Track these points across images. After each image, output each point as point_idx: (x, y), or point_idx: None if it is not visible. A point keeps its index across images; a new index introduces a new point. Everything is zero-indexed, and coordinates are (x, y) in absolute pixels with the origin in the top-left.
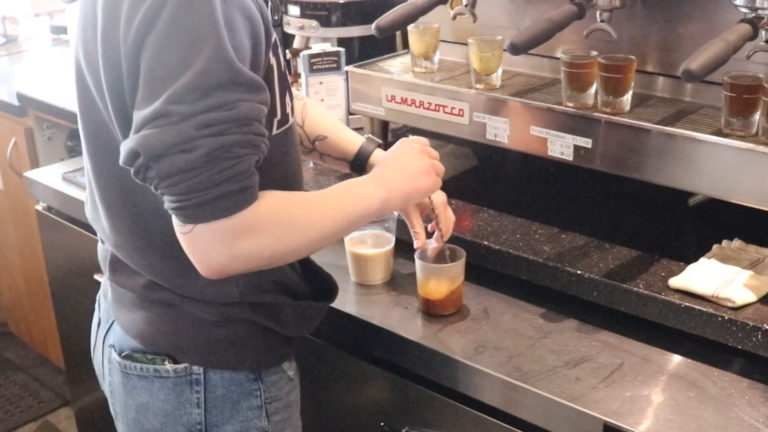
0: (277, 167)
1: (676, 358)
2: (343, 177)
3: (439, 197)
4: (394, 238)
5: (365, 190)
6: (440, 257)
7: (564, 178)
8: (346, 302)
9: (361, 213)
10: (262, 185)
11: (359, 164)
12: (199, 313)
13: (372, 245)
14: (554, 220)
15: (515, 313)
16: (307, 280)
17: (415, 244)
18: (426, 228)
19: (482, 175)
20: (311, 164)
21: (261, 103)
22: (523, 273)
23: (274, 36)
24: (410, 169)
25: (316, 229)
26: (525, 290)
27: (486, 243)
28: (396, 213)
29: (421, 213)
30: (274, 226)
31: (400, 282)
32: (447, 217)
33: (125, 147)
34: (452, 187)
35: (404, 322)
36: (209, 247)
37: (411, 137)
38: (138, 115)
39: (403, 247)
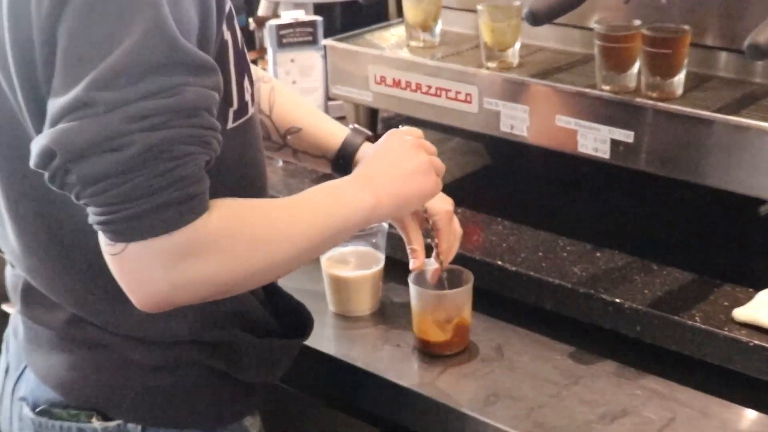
0: (233, 169)
1: (745, 413)
2: (321, 179)
3: (442, 204)
4: (383, 257)
5: (347, 195)
6: (442, 282)
7: (598, 181)
8: (323, 339)
9: (343, 224)
10: (214, 192)
11: (342, 163)
12: (135, 356)
13: (356, 266)
14: (586, 235)
15: (536, 352)
16: (273, 312)
17: (411, 265)
18: (425, 244)
19: (495, 178)
20: (280, 163)
21: (211, 88)
22: (547, 301)
23: (229, 4)
24: (404, 168)
25: (285, 246)
26: (549, 323)
27: (500, 263)
28: (386, 224)
29: (419, 225)
30: (229, 243)
31: (391, 313)
32: (451, 231)
33: (37, 144)
34: (458, 192)
35: (396, 364)
36: (146, 271)
37: (402, 128)
38: (54, 105)
39: (396, 269)
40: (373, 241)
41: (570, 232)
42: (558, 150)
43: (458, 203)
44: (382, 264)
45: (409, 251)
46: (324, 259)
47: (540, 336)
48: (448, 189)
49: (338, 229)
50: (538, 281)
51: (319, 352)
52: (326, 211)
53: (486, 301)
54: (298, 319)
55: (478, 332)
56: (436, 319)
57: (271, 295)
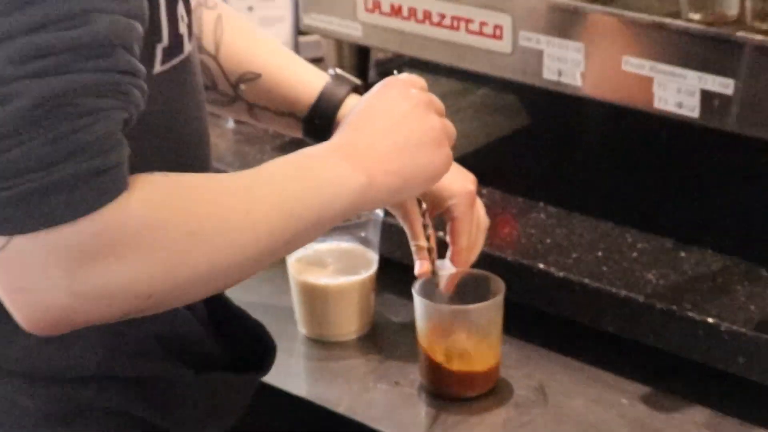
0: (162, 132)
1: None
2: (288, 147)
3: (461, 184)
4: (376, 258)
5: (327, 172)
6: (461, 292)
7: (682, 150)
8: (290, 374)
9: (319, 213)
10: (136, 165)
11: (319, 124)
12: (21, 399)
13: (337, 270)
14: (665, 227)
15: (594, 394)
16: (219, 336)
17: (417, 269)
18: (438, 239)
19: (535, 146)
20: (230, 124)
21: (131, 16)
22: (609, 322)
23: None
24: (407, 133)
25: (236, 242)
26: (611, 353)
27: (542, 267)
28: (381, 212)
29: (430, 212)
30: (156, 237)
31: (387, 337)
32: (473, 221)
33: None
34: (482, 166)
35: (395, 411)
36: (38, 276)
37: (402, 76)
38: None
39: (394, 274)
40: (362, 234)
41: (642, 224)
42: (625, 106)
43: (483, 182)
44: (374, 268)
45: (413, 249)
46: (292, 261)
47: (599, 371)
48: (469, 162)
49: (312, 219)
50: (597, 293)
51: (286, 393)
52: (296, 193)
53: (522, 321)
54: (255, 347)
55: (511, 365)
56: (453, 345)
57: (216, 311)
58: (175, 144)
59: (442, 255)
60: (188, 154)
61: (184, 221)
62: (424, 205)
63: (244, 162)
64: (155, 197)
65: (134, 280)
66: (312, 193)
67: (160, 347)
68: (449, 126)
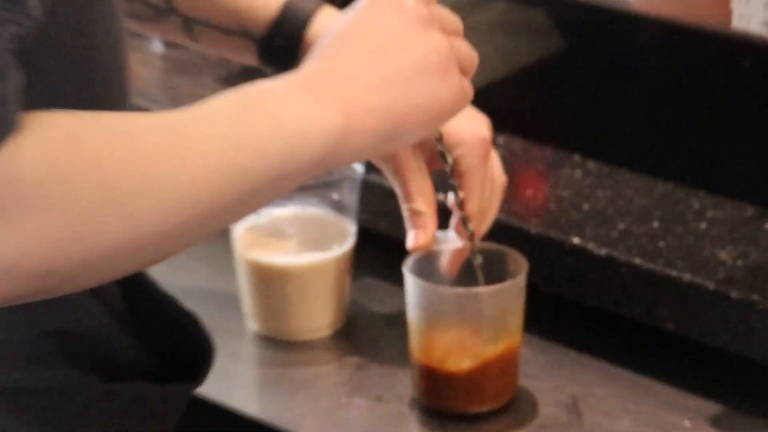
0: (65, 55)
1: None
2: (239, 79)
3: (471, 129)
4: (353, 230)
5: (290, 110)
6: (469, 272)
7: None
8: (237, 385)
9: (278, 165)
10: (31, 99)
11: (281, 46)
12: None
13: (301, 245)
14: (745, 190)
15: (645, 412)
16: (139, 333)
17: (411, 241)
18: (439, 202)
19: (571, 80)
20: (158, 47)
21: None
22: (668, 316)
23: None
24: (398, 60)
25: (165, 202)
26: (669, 358)
27: (578, 242)
28: (360, 167)
29: (428, 166)
30: (55, 196)
31: (366, 334)
32: (487, 178)
33: None
34: (501, 106)
35: None
36: None
37: None
38: None
39: (377, 250)
40: (335, 197)
41: (713, 185)
42: (692, 26)
43: (500, 127)
44: (350, 242)
45: (406, 215)
46: (240, 232)
47: (652, 382)
48: (482, 100)
49: (269, 174)
50: (651, 277)
51: (230, 410)
52: (247, 139)
53: (550, 315)
54: (187, 348)
55: (534, 373)
56: (456, 345)
57: (135, 300)
58: (82, 72)
59: (444, 225)
60: (100, 86)
61: (95, 175)
62: (449, 158)
63: (176, 98)
64: (56, 143)
65: (27, 251)
66: (269, 140)
67: (56, 349)
68: (463, 48)
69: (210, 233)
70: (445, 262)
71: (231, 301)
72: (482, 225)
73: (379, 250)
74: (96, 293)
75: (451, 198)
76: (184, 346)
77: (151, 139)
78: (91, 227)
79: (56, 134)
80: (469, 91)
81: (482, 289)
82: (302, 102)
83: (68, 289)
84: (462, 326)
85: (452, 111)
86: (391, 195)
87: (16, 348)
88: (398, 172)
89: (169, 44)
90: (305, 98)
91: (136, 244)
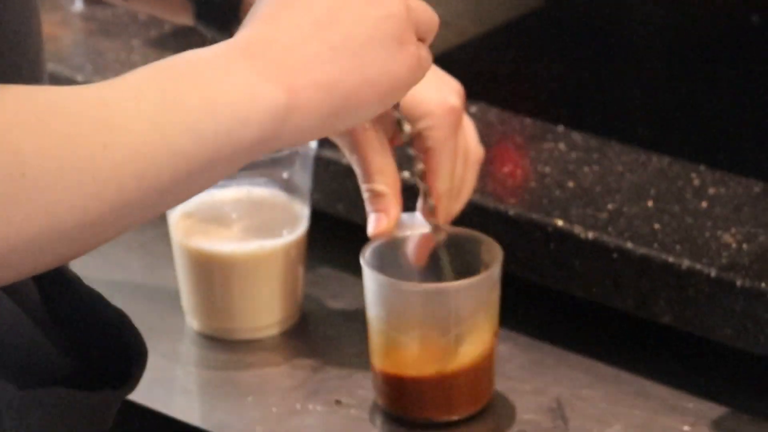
0: None
1: None
2: (170, 43)
3: (440, 98)
4: (306, 213)
5: (227, 83)
6: (436, 262)
7: None
8: (174, 390)
9: (214, 147)
10: None
11: (220, 5)
12: None
13: (246, 230)
14: (752, 163)
15: (639, 416)
16: (60, 334)
17: (371, 227)
18: (403, 181)
19: (554, 39)
20: (78, 6)
21: None
22: (664, 308)
23: None
24: (348, 25)
25: (87, 189)
26: (665, 356)
27: (561, 224)
28: (314, 141)
29: (391, 142)
30: None
31: (321, 332)
32: (456, 153)
33: None
34: (472, 70)
35: None
36: None
37: None
38: None
39: (333, 237)
40: (284, 176)
41: (715, 159)
42: None
43: (473, 94)
44: (303, 227)
45: (366, 197)
46: (177, 217)
47: (647, 382)
48: (453, 63)
49: (203, 156)
50: (645, 264)
51: (167, 418)
52: (179, 116)
53: (531, 308)
54: (115, 350)
55: (513, 374)
56: (423, 344)
57: (56, 296)
58: None
59: (409, 207)
60: (9, 54)
61: (7, 160)
62: (406, 126)
63: (99, 65)
64: None
65: None
66: (201, 119)
67: None
68: (421, 11)
69: (140, 222)
70: (410, 250)
71: (169, 295)
72: (455, 205)
73: (335, 236)
74: (9, 291)
75: (412, 174)
76: (112, 348)
77: (69, 119)
78: (3, 219)
79: None
80: (428, 61)
81: (452, 284)
82: (239, 75)
83: None
84: (428, 325)
85: (408, 85)
86: (348, 173)
87: None
88: (356, 149)
89: (90, 1)
90: (242, 70)
91: (56, 235)
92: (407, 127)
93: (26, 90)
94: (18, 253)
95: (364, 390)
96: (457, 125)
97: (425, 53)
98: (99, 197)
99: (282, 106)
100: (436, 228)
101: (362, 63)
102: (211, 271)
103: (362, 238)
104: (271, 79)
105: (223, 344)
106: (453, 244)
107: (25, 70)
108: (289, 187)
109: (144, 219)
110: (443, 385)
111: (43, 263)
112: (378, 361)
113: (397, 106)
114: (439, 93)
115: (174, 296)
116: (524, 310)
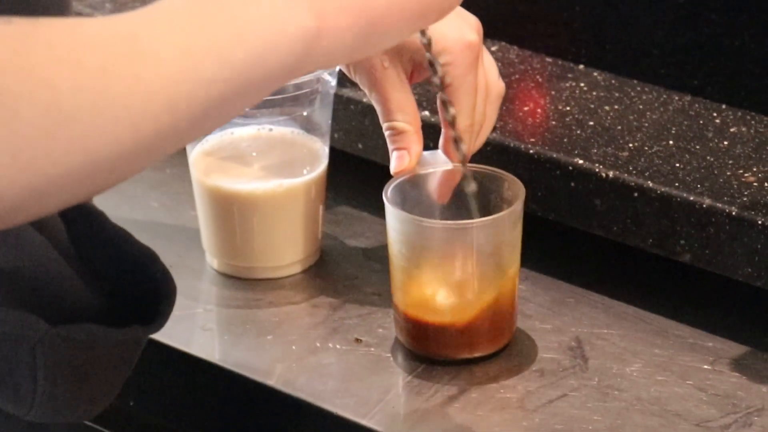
0: None
1: None
2: None
3: (458, 33)
4: (326, 151)
5: (254, 9)
6: (459, 201)
7: None
8: (194, 328)
9: (243, 72)
10: None
11: None
12: None
13: (266, 169)
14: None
15: (659, 355)
16: (88, 269)
17: (394, 165)
18: (423, 118)
19: None
20: None
21: None
22: (685, 247)
23: None
24: None
25: (120, 120)
26: (686, 294)
27: (581, 162)
28: (332, 78)
29: (409, 75)
30: (1, 120)
31: (341, 271)
32: (477, 88)
33: None
34: (493, 10)
35: (357, 383)
36: None
37: None
38: None
39: (353, 176)
40: (304, 113)
41: (737, 96)
42: None
43: (492, 33)
44: (323, 165)
45: (387, 134)
46: (196, 155)
47: (667, 321)
48: (472, 3)
49: (234, 82)
50: (666, 203)
51: (188, 356)
52: (208, 43)
53: (551, 247)
54: (143, 287)
55: (532, 313)
56: (446, 282)
57: (84, 234)
58: None
59: (430, 144)
60: None
61: (43, 94)
62: (439, 69)
63: (118, 3)
64: None
65: None
66: (231, 46)
67: None
68: None
69: (171, 151)
70: (433, 187)
71: (188, 234)
72: (476, 141)
73: (354, 175)
74: (38, 228)
75: (445, 114)
76: (140, 285)
77: (101, 50)
78: (40, 152)
79: None
80: None
81: (475, 221)
82: (267, 0)
83: (15, 220)
84: (452, 263)
85: (437, 10)
86: (367, 112)
87: None
88: (376, 87)
89: None
90: None
91: (91, 167)
92: (440, 69)
93: (58, 23)
94: (55, 186)
95: (383, 329)
96: (475, 61)
97: None
98: (133, 128)
99: (311, 30)
100: (460, 164)
101: None
102: (230, 210)
103: (381, 177)
104: (299, 3)
105: (243, 283)
106: (476, 183)
107: (52, 6)
108: (308, 126)
109: (176, 148)
110: (466, 323)
111: (79, 195)
112: (399, 298)
113: (429, 48)
114: (457, 29)
115: (194, 235)
116: (544, 249)
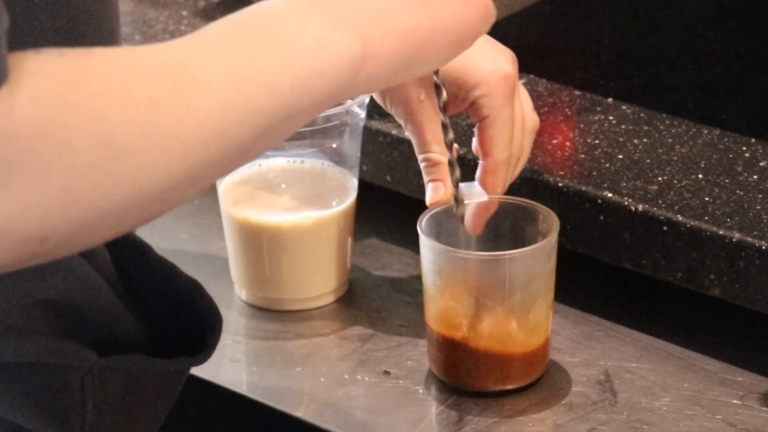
0: None
1: None
2: (220, 13)
3: (494, 65)
4: (355, 183)
5: (301, 35)
6: (494, 233)
7: None
8: (223, 358)
9: (292, 99)
10: (16, 43)
11: None
12: None
13: (295, 200)
14: None
15: (688, 389)
16: (135, 301)
17: (429, 195)
18: (456, 153)
19: (604, 10)
20: None
21: None
22: (714, 281)
23: None
24: None
25: (171, 152)
26: (715, 328)
27: (611, 196)
28: (362, 111)
29: (442, 106)
30: (52, 152)
31: (371, 302)
32: (512, 120)
33: None
34: (524, 43)
35: (386, 415)
36: None
37: None
38: None
39: (383, 207)
40: (333, 146)
41: (765, 128)
42: None
43: (522, 66)
44: (352, 197)
45: (423, 166)
46: (225, 186)
47: (697, 355)
48: (502, 35)
49: (282, 109)
50: (695, 237)
51: (216, 386)
52: (256, 70)
53: (581, 280)
54: (188, 320)
55: (562, 346)
56: (479, 314)
57: (129, 264)
58: (70, 7)
59: (466, 176)
60: (85, 26)
61: (95, 126)
62: (443, 93)
63: (148, 36)
64: (51, 92)
65: (21, 215)
66: (279, 72)
67: (49, 320)
68: None
69: (218, 178)
70: (468, 219)
71: (217, 265)
72: (509, 176)
73: (386, 206)
74: (87, 257)
75: (474, 144)
76: (185, 317)
77: (151, 81)
78: (91, 185)
79: (50, 82)
80: (494, 11)
81: (510, 253)
82: (313, 26)
83: (65, 252)
84: (486, 295)
85: (477, 34)
86: (396, 144)
87: (3, 318)
88: (411, 118)
89: None
90: (316, 21)
91: (140, 199)
92: (444, 93)
93: (110, 54)
94: (105, 218)
95: (412, 361)
96: (512, 92)
97: (491, 4)
98: (182, 159)
99: (357, 55)
100: (493, 196)
101: (434, 11)
102: (259, 241)
103: (410, 210)
104: (345, 29)
105: (271, 314)
106: (511, 215)
107: (100, 34)
108: (337, 158)
109: (222, 176)
110: (500, 354)
111: (127, 225)
112: (433, 329)
113: (436, 72)
114: (493, 61)
115: (223, 266)
116: (573, 282)
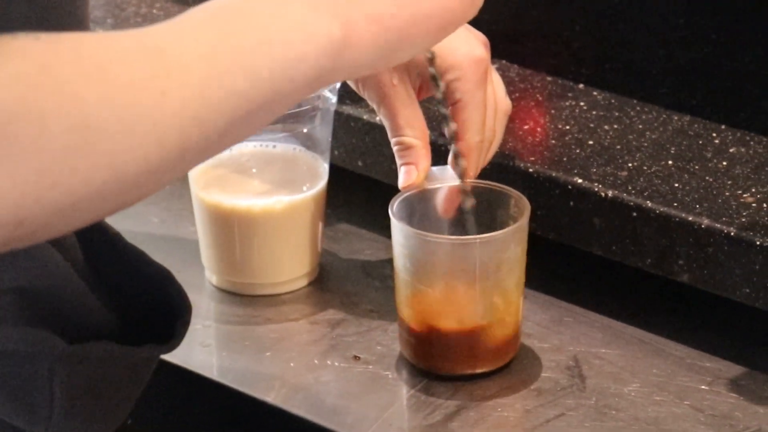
0: None
1: None
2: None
3: (467, 50)
4: (326, 167)
5: (282, 19)
6: (464, 216)
7: None
8: (193, 343)
9: (272, 85)
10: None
11: None
12: None
13: (266, 185)
14: None
15: (656, 375)
16: (103, 288)
17: (402, 180)
18: (431, 137)
19: None
20: None
21: None
22: (683, 267)
23: None
24: None
25: (148, 136)
26: (684, 314)
27: (581, 182)
28: (333, 95)
29: (418, 94)
30: (27, 136)
31: (341, 287)
32: (484, 105)
33: None
34: (496, 29)
35: (356, 400)
36: None
37: None
38: None
39: (353, 192)
40: (304, 130)
41: (736, 116)
42: None
43: (494, 51)
44: (323, 182)
45: (396, 149)
46: (197, 172)
47: (665, 341)
48: (474, 22)
49: (261, 96)
50: (664, 222)
51: (187, 372)
52: (236, 56)
53: (551, 265)
54: (157, 307)
55: (532, 331)
56: (449, 298)
57: (99, 252)
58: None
59: (438, 160)
60: (59, 8)
61: (71, 111)
62: (441, 84)
63: (120, 19)
64: (26, 76)
65: None
66: (258, 58)
67: (18, 307)
68: None
69: (196, 165)
70: (439, 202)
71: (188, 249)
72: (481, 160)
73: (354, 191)
74: (56, 245)
75: (445, 129)
76: (155, 304)
77: (129, 64)
78: (67, 169)
79: (25, 65)
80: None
81: (477, 237)
82: (293, 10)
83: (42, 237)
84: (456, 279)
85: (461, 20)
86: (368, 129)
87: None
88: (384, 102)
89: None
90: (297, 5)
91: (117, 184)
92: (442, 84)
93: (86, 38)
94: (81, 203)
95: (381, 346)
96: (484, 76)
97: None
98: (160, 144)
99: (338, 41)
100: (464, 182)
101: None
102: (230, 226)
103: (381, 195)
104: (326, 14)
105: (241, 299)
106: (482, 199)
107: (71, 16)
108: (309, 142)
109: (200, 162)
110: (470, 339)
111: (104, 211)
112: (404, 313)
113: (432, 62)
114: (466, 45)
115: (194, 250)
116: (543, 268)
